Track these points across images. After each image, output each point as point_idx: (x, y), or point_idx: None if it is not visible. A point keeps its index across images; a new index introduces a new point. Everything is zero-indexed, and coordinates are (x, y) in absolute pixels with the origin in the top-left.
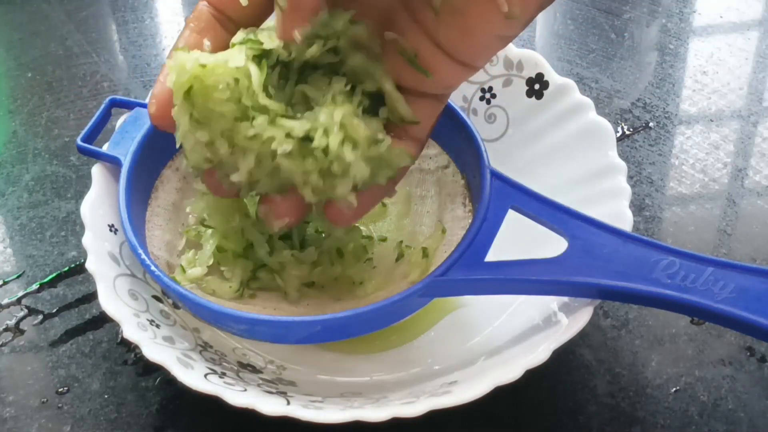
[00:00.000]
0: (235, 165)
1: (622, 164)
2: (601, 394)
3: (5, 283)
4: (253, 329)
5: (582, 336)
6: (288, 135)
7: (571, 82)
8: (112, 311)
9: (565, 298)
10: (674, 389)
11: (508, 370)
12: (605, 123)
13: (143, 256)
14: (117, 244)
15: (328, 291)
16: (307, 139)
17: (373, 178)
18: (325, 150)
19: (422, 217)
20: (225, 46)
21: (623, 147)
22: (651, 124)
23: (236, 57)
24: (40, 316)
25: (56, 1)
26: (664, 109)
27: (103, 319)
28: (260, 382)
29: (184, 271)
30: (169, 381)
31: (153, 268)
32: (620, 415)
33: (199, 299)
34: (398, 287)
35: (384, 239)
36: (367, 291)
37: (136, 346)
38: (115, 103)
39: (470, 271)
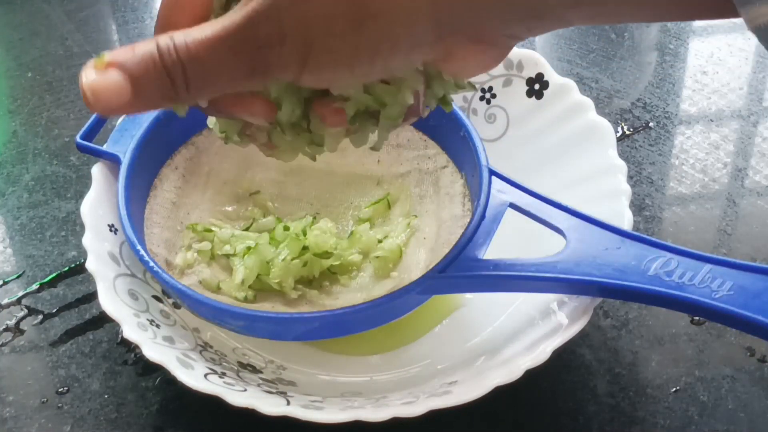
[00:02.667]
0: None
1: (622, 164)
2: (601, 394)
3: (5, 283)
4: (251, 326)
5: (582, 336)
6: None
7: (571, 82)
8: (112, 311)
9: (565, 298)
10: (674, 389)
11: (508, 370)
12: (605, 123)
13: (142, 252)
14: (117, 244)
15: (327, 291)
16: None
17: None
18: None
19: (422, 216)
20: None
21: (623, 147)
22: (651, 124)
23: None
24: (40, 316)
25: (56, 1)
26: (664, 109)
27: (103, 319)
28: (260, 382)
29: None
30: (169, 381)
31: (152, 264)
32: (620, 415)
33: (198, 296)
34: (392, 281)
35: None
36: (363, 282)
37: (136, 346)
38: None
39: (469, 268)
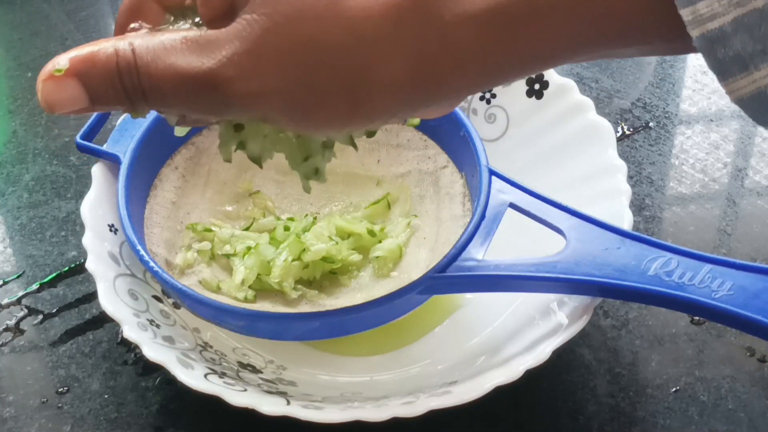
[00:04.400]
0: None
1: (622, 164)
2: (601, 394)
3: (5, 283)
4: (252, 325)
5: (582, 336)
6: None
7: (571, 82)
8: (112, 311)
9: (566, 298)
10: (674, 389)
11: (508, 370)
12: (605, 123)
13: (142, 252)
14: (117, 244)
15: (327, 291)
16: None
17: None
18: None
19: (422, 216)
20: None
21: (623, 147)
22: (651, 124)
23: None
24: (40, 316)
25: (56, 1)
26: (664, 109)
27: (103, 319)
28: (260, 382)
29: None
30: (169, 381)
31: (152, 264)
32: (620, 415)
33: (198, 296)
34: (392, 281)
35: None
36: (363, 282)
37: (136, 346)
38: None
39: (469, 268)
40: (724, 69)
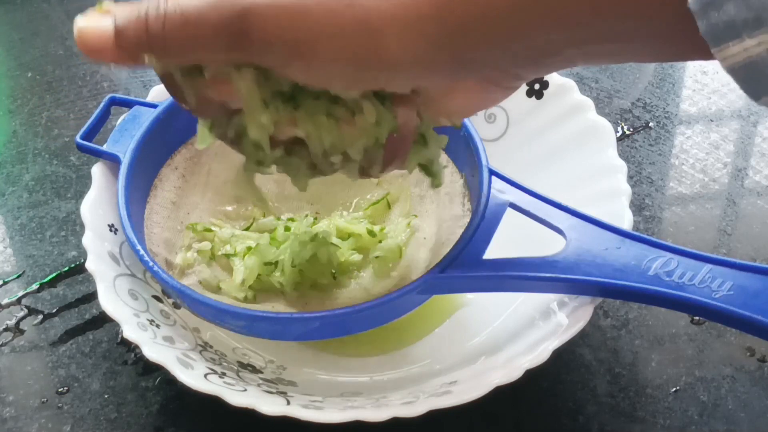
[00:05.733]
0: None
1: (622, 164)
2: (601, 394)
3: (5, 283)
4: (252, 326)
5: (582, 336)
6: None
7: (571, 82)
8: (112, 311)
9: (566, 298)
10: (674, 389)
11: (508, 370)
12: (605, 123)
13: (142, 252)
14: (117, 244)
15: (327, 291)
16: None
17: None
18: None
19: (422, 216)
20: None
21: (623, 147)
22: (651, 124)
23: None
24: (40, 316)
25: (56, 1)
26: (664, 109)
27: (103, 319)
28: (260, 381)
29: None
30: (169, 381)
31: (152, 264)
32: (620, 415)
33: (198, 296)
34: (392, 281)
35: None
36: (363, 282)
37: (136, 346)
38: (115, 102)
39: (469, 268)
40: (716, 35)
